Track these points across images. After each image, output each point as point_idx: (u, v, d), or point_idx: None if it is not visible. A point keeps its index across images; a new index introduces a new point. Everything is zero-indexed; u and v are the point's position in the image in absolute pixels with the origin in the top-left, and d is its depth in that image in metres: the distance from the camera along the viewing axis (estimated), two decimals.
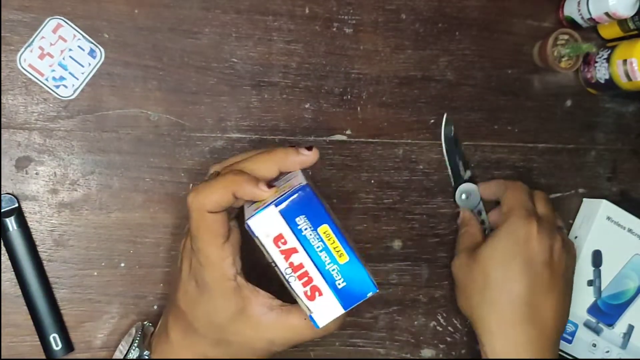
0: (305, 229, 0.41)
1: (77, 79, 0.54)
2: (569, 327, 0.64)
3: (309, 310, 0.42)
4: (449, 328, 0.64)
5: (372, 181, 0.62)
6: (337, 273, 0.42)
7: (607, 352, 0.65)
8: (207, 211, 0.43)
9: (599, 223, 0.64)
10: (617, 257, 0.65)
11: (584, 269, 0.64)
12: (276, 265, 0.42)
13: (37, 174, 0.54)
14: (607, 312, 0.65)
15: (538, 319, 0.55)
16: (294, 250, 0.41)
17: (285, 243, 0.41)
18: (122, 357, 0.50)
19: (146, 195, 0.56)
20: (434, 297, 0.63)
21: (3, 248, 0.53)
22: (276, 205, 0.41)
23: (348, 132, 0.61)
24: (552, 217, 0.59)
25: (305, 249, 0.41)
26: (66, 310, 0.54)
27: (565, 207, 0.67)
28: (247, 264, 0.46)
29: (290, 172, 0.46)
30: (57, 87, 0.54)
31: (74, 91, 0.54)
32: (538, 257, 0.55)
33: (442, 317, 0.64)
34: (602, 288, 0.64)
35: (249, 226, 0.41)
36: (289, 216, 0.41)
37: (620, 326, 0.65)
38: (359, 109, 0.61)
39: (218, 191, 0.43)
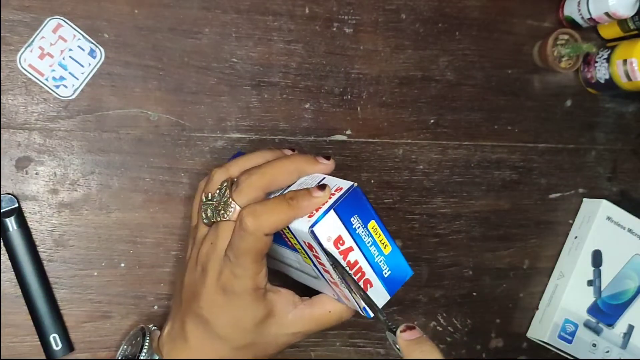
0: (358, 227, 0.44)
1: (77, 79, 0.54)
2: (569, 327, 0.64)
3: (362, 302, 0.44)
4: (449, 328, 0.64)
5: (372, 181, 0.62)
6: (383, 264, 0.45)
7: (607, 352, 0.65)
8: (264, 234, 0.43)
9: (599, 223, 0.64)
10: (617, 257, 0.65)
11: (584, 269, 0.64)
12: (335, 267, 0.43)
13: (37, 174, 0.54)
14: (607, 312, 0.65)
15: None
16: (350, 249, 0.43)
17: (343, 244, 0.43)
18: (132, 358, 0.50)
19: (146, 195, 0.56)
20: (434, 297, 0.63)
21: (3, 248, 0.53)
22: (335, 210, 0.43)
23: (348, 132, 0.61)
24: None
25: (359, 247, 0.44)
26: (66, 310, 0.54)
27: (565, 207, 0.67)
28: None
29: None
30: (57, 87, 0.54)
31: (74, 91, 0.54)
32: None
33: (442, 317, 0.64)
34: (602, 288, 0.65)
35: (313, 233, 0.42)
36: (345, 218, 0.43)
37: (620, 326, 0.65)
38: (359, 109, 0.61)
39: (278, 216, 0.43)
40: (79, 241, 0.55)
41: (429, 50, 0.62)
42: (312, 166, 0.46)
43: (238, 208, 0.45)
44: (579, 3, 0.62)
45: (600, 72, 0.63)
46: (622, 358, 0.65)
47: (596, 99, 0.67)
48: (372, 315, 0.45)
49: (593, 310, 0.64)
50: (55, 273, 0.54)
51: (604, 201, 0.65)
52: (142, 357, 0.48)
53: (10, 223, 0.53)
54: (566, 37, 0.64)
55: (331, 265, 0.43)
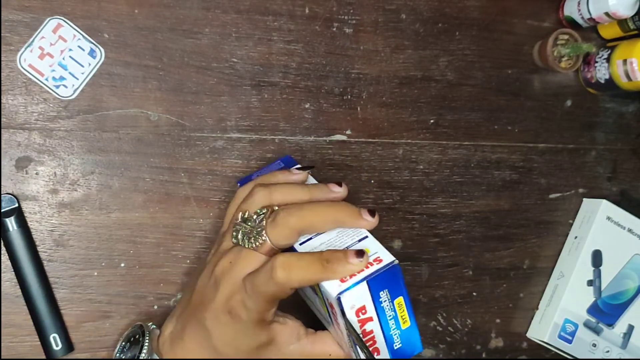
0: (385, 300, 0.43)
1: (77, 79, 0.54)
2: (569, 327, 0.64)
3: None
4: (449, 328, 0.64)
5: (372, 181, 0.62)
6: (397, 337, 0.44)
7: (607, 352, 0.65)
8: (292, 288, 0.43)
9: (599, 223, 0.64)
10: (617, 257, 0.65)
11: (584, 269, 0.64)
12: (350, 334, 0.43)
13: (37, 174, 0.54)
14: (607, 312, 0.65)
15: None
16: (370, 319, 0.43)
17: (365, 313, 0.43)
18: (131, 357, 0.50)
19: (146, 195, 0.56)
20: (434, 297, 0.63)
21: (3, 248, 0.53)
22: (368, 283, 0.42)
23: (348, 132, 0.61)
24: None
25: (379, 318, 0.43)
26: (66, 310, 0.54)
27: (565, 207, 0.67)
28: None
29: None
30: (57, 87, 0.54)
31: (74, 91, 0.54)
32: None
33: (442, 317, 0.64)
34: (602, 288, 0.64)
35: (340, 300, 0.42)
36: (375, 292, 0.42)
37: (620, 326, 0.65)
38: (359, 109, 0.61)
39: (310, 275, 0.43)
40: (79, 241, 0.55)
41: (429, 50, 0.62)
42: (354, 221, 0.45)
43: (268, 242, 0.45)
44: (579, 3, 0.62)
45: (600, 72, 0.63)
46: (622, 358, 0.65)
47: (596, 99, 0.67)
48: None
49: (593, 310, 0.64)
50: (55, 273, 0.54)
51: (604, 201, 0.65)
52: (142, 357, 0.48)
53: (10, 223, 0.53)
54: (566, 37, 0.64)
55: (346, 329, 0.43)
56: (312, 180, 0.51)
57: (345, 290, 0.42)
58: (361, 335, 0.43)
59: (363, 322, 0.43)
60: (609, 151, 0.68)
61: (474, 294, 0.65)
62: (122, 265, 0.56)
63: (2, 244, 0.53)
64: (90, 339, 0.55)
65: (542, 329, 0.64)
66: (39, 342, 0.53)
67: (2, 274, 0.53)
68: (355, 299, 0.42)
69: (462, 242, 0.64)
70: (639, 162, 0.69)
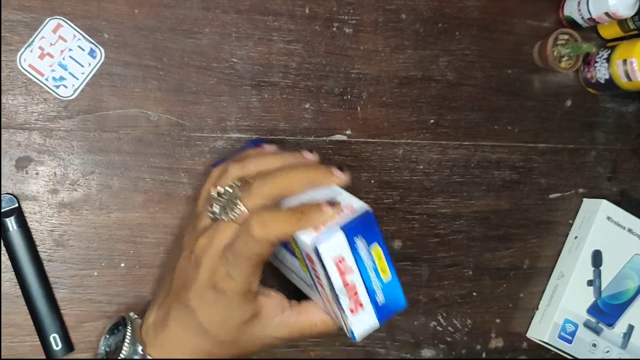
0: (362, 249, 0.43)
1: (77, 79, 0.54)
2: (569, 327, 0.64)
3: (350, 324, 0.44)
4: (449, 328, 0.64)
5: (372, 181, 0.62)
6: (379, 290, 0.44)
7: (607, 352, 0.65)
8: (270, 244, 0.43)
9: (599, 223, 0.64)
10: (617, 257, 0.65)
11: (584, 269, 0.64)
12: (332, 286, 0.43)
13: (37, 174, 0.54)
14: (607, 312, 0.65)
15: None
16: (350, 271, 0.43)
17: (344, 264, 0.43)
18: (111, 356, 0.49)
19: (146, 195, 0.56)
20: (434, 297, 0.63)
21: (3, 248, 0.53)
22: (344, 231, 0.42)
23: (348, 132, 0.61)
24: None
25: (359, 269, 0.43)
26: (66, 310, 0.54)
27: (565, 207, 0.67)
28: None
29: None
30: (57, 87, 0.54)
31: (74, 91, 0.54)
32: None
33: (442, 317, 0.64)
34: (602, 288, 0.64)
35: (318, 251, 0.42)
36: (351, 239, 0.42)
37: (620, 326, 0.65)
38: (359, 109, 0.61)
39: (286, 228, 0.43)
40: (79, 241, 0.55)
41: (429, 50, 0.62)
42: (326, 179, 0.46)
43: (245, 211, 0.45)
44: (579, 3, 0.62)
45: (600, 72, 0.63)
46: (622, 358, 0.65)
47: (596, 99, 0.67)
48: (357, 339, 0.45)
49: (593, 310, 0.64)
50: (55, 273, 0.54)
51: (604, 201, 0.65)
52: (125, 348, 0.48)
53: (10, 223, 0.53)
54: (566, 37, 0.64)
55: (327, 282, 0.43)
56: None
57: (323, 241, 0.42)
58: (334, 283, 0.42)
59: (344, 274, 0.43)
60: (609, 151, 0.68)
61: (474, 294, 0.65)
62: (122, 265, 0.56)
63: (2, 244, 0.53)
64: (90, 339, 0.55)
65: (542, 329, 0.64)
66: (39, 342, 0.53)
67: (2, 274, 0.53)
68: (333, 249, 0.42)
69: (462, 242, 0.64)
70: (639, 162, 0.69)
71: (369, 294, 0.44)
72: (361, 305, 0.44)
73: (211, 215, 0.47)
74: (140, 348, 0.48)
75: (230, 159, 0.50)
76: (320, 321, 0.48)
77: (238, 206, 0.45)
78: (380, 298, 0.45)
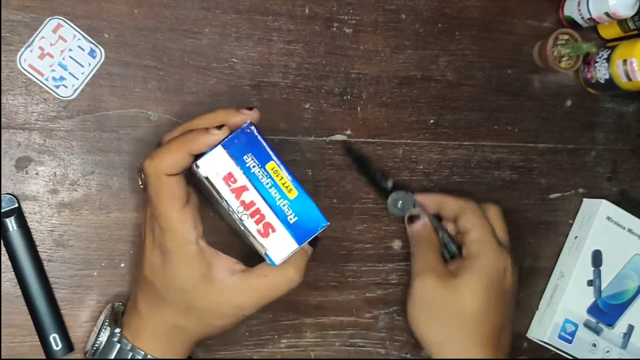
0: (254, 166, 0.43)
1: (77, 79, 0.54)
2: (569, 327, 0.64)
3: (264, 247, 0.43)
4: None
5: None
6: (287, 208, 0.43)
7: (607, 352, 0.65)
8: (165, 174, 0.44)
9: (599, 223, 0.64)
10: (617, 257, 0.65)
11: (584, 269, 0.64)
12: (229, 207, 0.42)
13: (37, 174, 0.54)
14: (607, 312, 0.65)
15: (501, 345, 0.57)
16: (244, 189, 0.42)
17: (235, 182, 0.42)
18: (93, 341, 0.50)
19: (146, 196, 0.56)
20: None
21: (3, 248, 0.53)
22: (223, 146, 0.43)
23: (348, 132, 0.61)
24: (508, 240, 0.60)
25: (255, 187, 0.43)
26: (66, 310, 0.54)
27: (565, 207, 0.67)
28: (210, 232, 0.47)
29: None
30: (57, 87, 0.54)
31: (74, 91, 0.54)
32: (510, 289, 0.58)
33: None
34: (602, 288, 0.64)
35: (197, 167, 0.42)
36: (236, 155, 0.42)
37: (620, 326, 0.65)
38: (359, 109, 0.61)
39: (173, 152, 0.44)
40: (79, 241, 0.55)
41: (429, 50, 0.62)
42: (234, 117, 0.45)
43: (150, 171, 0.45)
44: (579, 3, 0.62)
45: (600, 72, 0.63)
46: (622, 358, 0.65)
47: (596, 99, 0.67)
48: (276, 262, 0.44)
49: (593, 310, 0.64)
50: (55, 273, 0.54)
51: (604, 201, 0.65)
52: (100, 339, 0.49)
53: (10, 223, 0.53)
54: (566, 37, 0.64)
55: (226, 205, 0.42)
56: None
57: (201, 157, 0.42)
58: (229, 203, 0.42)
59: (238, 193, 0.42)
60: (609, 151, 0.68)
61: None
62: (122, 265, 0.56)
63: (2, 244, 0.53)
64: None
65: (542, 329, 0.64)
66: (39, 342, 0.53)
67: (2, 274, 0.53)
68: (216, 165, 0.42)
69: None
70: (639, 162, 0.69)
71: (275, 213, 0.43)
72: (271, 227, 0.43)
73: (142, 186, 0.48)
74: (117, 331, 0.49)
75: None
76: (270, 273, 0.46)
77: (141, 173, 0.46)
78: (291, 217, 0.44)
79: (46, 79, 0.54)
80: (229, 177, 0.42)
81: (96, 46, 0.55)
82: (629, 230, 0.65)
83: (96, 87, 0.55)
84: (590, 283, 0.64)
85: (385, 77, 0.61)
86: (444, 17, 0.63)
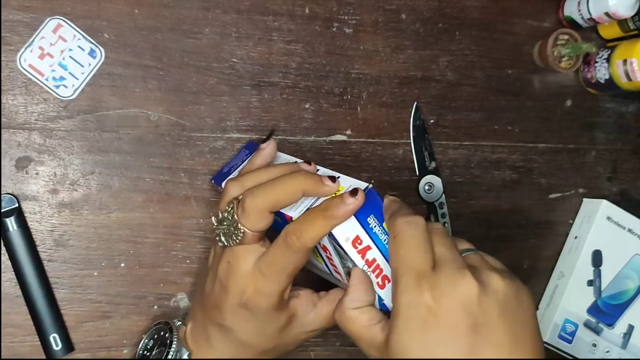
0: (375, 226, 0.45)
1: (77, 79, 0.54)
2: (569, 327, 0.64)
3: (381, 298, 0.45)
4: None
5: (372, 181, 0.61)
6: None
7: (607, 352, 0.65)
8: (308, 250, 0.44)
9: (599, 223, 0.64)
10: (617, 257, 0.65)
11: (584, 269, 0.64)
12: (353, 264, 0.44)
13: (37, 174, 0.54)
14: (607, 312, 0.65)
15: None
16: (368, 248, 0.44)
17: (361, 243, 0.44)
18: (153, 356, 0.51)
19: (146, 195, 0.56)
20: None
21: (3, 248, 0.53)
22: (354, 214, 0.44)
23: (348, 132, 0.61)
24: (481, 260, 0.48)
25: (376, 245, 0.44)
26: (66, 310, 0.54)
27: (565, 207, 0.67)
28: None
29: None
30: (57, 87, 0.54)
31: (74, 91, 0.54)
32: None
33: None
34: (602, 288, 0.64)
35: (332, 235, 0.43)
36: (362, 219, 0.44)
37: (620, 326, 0.65)
38: (359, 109, 0.61)
39: (319, 230, 0.43)
40: (79, 241, 0.55)
41: (429, 50, 0.62)
42: (317, 189, 0.46)
43: (248, 232, 0.45)
44: (579, 3, 0.62)
45: (600, 72, 0.63)
46: (622, 358, 0.65)
47: (596, 99, 0.67)
48: (390, 309, 0.45)
49: (593, 310, 0.64)
50: (55, 273, 0.54)
51: (604, 201, 0.65)
52: (171, 352, 0.49)
53: (10, 223, 0.53)
54: (566, 37, 0.64)
55: (342, 266, 0.45)
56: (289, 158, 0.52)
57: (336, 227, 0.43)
58: (356, 263, 0.44)
59: (363, 253, 0.44)
60: (609, 151, 0.68)
61: None
62: (122, 265, 0.56)
63: (2, 244, 0.53)
64: (90, 339, 0.55)
65: (542, 329, 0.64)
66: (39, 342, 0.53)
67: (2, 274, 0.53)
68: (346, 230, 0.43)
69: None
70: (639, 162, 0.69)
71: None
72: (388, 279, 0.45)
73: (222, 245, 0.47)
74: (186, 354, 0.49)
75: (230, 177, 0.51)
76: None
77: (239, 229, 0.45)
78: None
79: (46, 79, 0.54)
80: (356, 240, 0.44)
81: (96, 46, 0.55)
82: (629, 230, 0.65)
83: (96, 87, 0.55)
84: (590, 283, 0.64)
85: (386, 77, 0.61)
86: (444, 17, 0.63)
